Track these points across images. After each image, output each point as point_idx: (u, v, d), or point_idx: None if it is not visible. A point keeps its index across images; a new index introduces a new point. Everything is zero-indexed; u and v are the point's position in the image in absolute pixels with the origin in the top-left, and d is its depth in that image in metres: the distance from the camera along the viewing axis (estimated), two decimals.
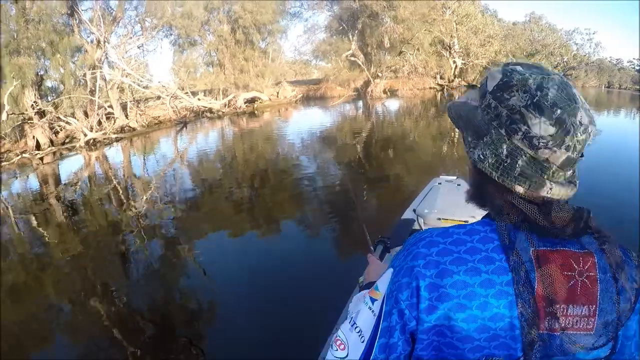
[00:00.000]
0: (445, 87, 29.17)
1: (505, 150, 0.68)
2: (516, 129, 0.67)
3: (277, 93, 26.37)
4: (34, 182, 11.05)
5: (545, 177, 0.67)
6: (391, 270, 0.74)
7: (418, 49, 26.50)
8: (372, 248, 1.53)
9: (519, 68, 0.70)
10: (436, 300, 0.66)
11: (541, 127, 0.65)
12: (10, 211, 8.14)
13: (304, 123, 18.41)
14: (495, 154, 0.69)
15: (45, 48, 14.37)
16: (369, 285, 0.96)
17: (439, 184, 3.89)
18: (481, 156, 0.70)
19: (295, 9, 27.84)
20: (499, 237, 0.68)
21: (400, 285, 0.70)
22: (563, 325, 0.66)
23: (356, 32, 26.21)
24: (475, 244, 0.68)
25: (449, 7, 27.42)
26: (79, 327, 3.81)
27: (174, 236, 5.91)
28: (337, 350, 0.75)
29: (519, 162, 0.67)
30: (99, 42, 16.50)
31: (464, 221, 3.11)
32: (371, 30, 25.42)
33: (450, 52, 29.16)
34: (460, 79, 30.09)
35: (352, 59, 26.86)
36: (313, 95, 27.75)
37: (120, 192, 8.84)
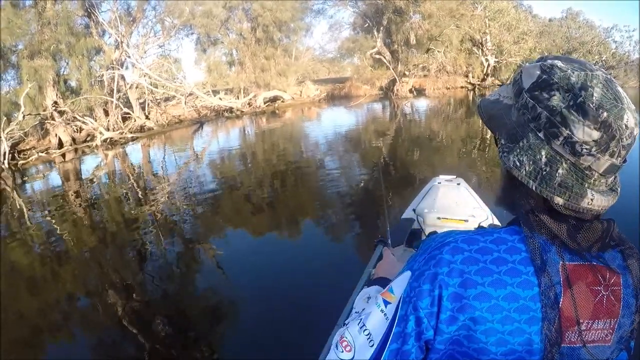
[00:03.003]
0: (477, 86, 28.00)
1: (544, 156, 0.63)
2: (557, 133, 0.62)
3: (300, 92, 25.95)
4: (51, 179, 11.37)
5: (587, 185, 0.62)
6: (409, 273, 0.70)
7: (447, 46, 25.46)
8: (389, 242, 1.46)
9: (559, 63, 0.64)
10: (458, 311, 0.64)
11: (585, 131, 0.60)
12: (24, 207, 8.34)
13: (322, 124, 18.00)
14: (533, 161, 0.64)
15: (62, 49, 14.47)
16: (378, 281, 0.96)
17: (438, 183, 3.83)
18: (517, 162, 0.65)
19: (319, 6, 27.30)
20: (530, 256, 0.63)
21: (421, 292, 0.66)
22: (585, 338, 0.64)
23: (381, 28, 25.45)
24: (501, 254, 0.65)
25: (481, 3, 26.27)
26: (94, 319, 3.93)
27: (189, 234, 6.01)
28: (342, 351, 0.71)
29: (560, 170, 0.62)
30: (119, 42, 16.50)
31: (464, 220, 3.16)
32: (397, 27, 24.59)
33: (482, 49, 27.96)
34: (493, 78, 28.84)
35: (377, 56, 26.10)
36: (338, 94, 27.19)
37: (135, 191, 8.92)
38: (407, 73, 26.17)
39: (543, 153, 0.63)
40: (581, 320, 0.63)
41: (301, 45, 27.36)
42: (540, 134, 0.64)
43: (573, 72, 0.62)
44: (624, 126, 0.60)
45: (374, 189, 7.37)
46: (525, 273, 0.63)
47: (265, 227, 6.05)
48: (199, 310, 4.02)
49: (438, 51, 25.76)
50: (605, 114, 0.59)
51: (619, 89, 0.62)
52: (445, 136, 12.61)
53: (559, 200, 0.63)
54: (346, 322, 0.81)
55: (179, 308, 4.05)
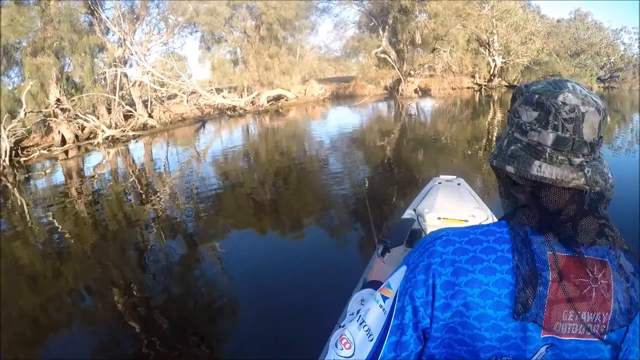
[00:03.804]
0: (484, 86, 27.71)
1: (505, 142, 0.75)
2: (512, 123, 0.76)
3: (305, 91, 25.81)
4: (53, 176, 11.34)
5: (538, 158, 0.70)
6: (404, 267, 0.74)
7: (453, 46, 25.18)
8: (379, 252, 1.52)
9: (526, 83, 0.77)
10: (451, 298, 0.67)
11: (527, 114, 0.72)
12: (24, 203, 8.39)
13: (324, 123, 17.86)
14: (500, 148, 0.76)
15: (65, 47, 14.44)
16: (371, 284, 1.02)
17: (438, 183, 3.86)
18: (492, 154, 0.77)
19: (324, 4, 27.11)
20: (510, 239, 0.69)
21: (416, 283, 0.70)
22: (576, 331, 0.67)
23: (387, 27, 25.23)
24: (491, 244, 0.69)
25: (488, 2, 25.97)
26: (96, 317, 3.94)
27: (191, 232, 5.99)
28: (342, 349, 0.73)
29: (512, 147, 0.73)
30: (122, 40, 16.45)
31: (464, 220, 3.14)
32: (402, 26, 24.37)
33: (489, 49, 27.66)
34: (500, 79, 28.48)
35: (383, 55, 25.88)
36: (342, 93, 27.02)
37: (136, 188, 8.93)
38: (412, 73, 25.93)
39: (506, 140, 0.75)
40: (567, 311, 0.66)
41: (306, 43, 27.21)
42: (511, 130, 0.76)
43: (527, 82, 0.75)
44: (559, 103, 0.68)
45: (377, 189, 7.31)
46: (513, 260, 0.67)
47: (266, 227, 6.03)
48: (199, 308, 4.00)
49: (444, 51, 25.48)
50: (537, 96, 0.71)
51: (570, 84, 0.71)
52: (451, 137, 12.42)
53: (509, 169, 0.72)
54: (342, 324, 0.84)
55: (179, 306, 4.03)
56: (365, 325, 0.73)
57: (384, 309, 0.72)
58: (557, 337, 0.67)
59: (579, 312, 0.66)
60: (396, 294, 0.72)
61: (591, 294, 0.66)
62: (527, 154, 0.70)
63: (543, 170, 0.68)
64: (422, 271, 0.70)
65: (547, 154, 0.69)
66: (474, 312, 0.66)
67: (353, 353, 0.72)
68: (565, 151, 0.69)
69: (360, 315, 0.75)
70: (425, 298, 0.68)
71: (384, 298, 0.73)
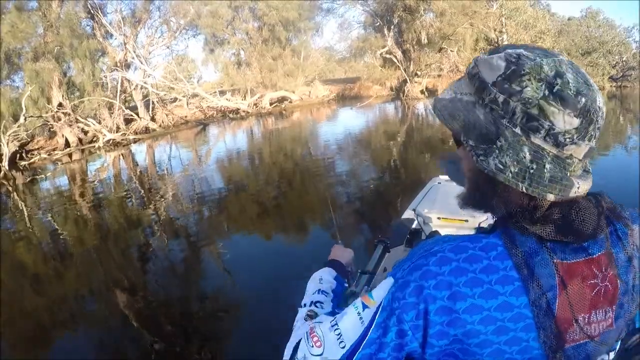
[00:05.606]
0: None
1: (527, 154, 0.59)
2: (537, 127, 0.58)
3: (309, 92, 25.62)
4: (55, 179, 11.52)
5: (569, 174, 0.60)
6: (391, 280, 0.66)
7: (460, 46, 24.81)
8: (340, 241, 1.49)
9: (524, 52, 0.60)
10: (447, 325, 0.60)
11: (565, 120, 0.57)
12: (25, 208, 8.46)
13: (326, 125, 17.66)
14: (517, 161, 0.59)
15: (65, 52, 14.49)
16: (330, 263, 1.05)
17: (438, 183, 3.80)
18: (500, 165, 0.60)
19: (328, 5, 26.87)
20: (513, 263, 0.59)
21: (405, 305, 0.62)
22: (588, 333, 0.62)
23: (392, 27, 24.94)
24: (492, 261, 0.60)
25: (496, 0, 25.58)
26: (97, 318, 3.96)
27: (194, 234, 6.00)
28: (312, 346, 0.68)
29: (547, 165, 0.59)
30: (124, 44, 16.44)
31: (464, 220, 3.04)
32: (407, 25, 24.06)
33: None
34: None
35: (388, 56, 25.59)
36: (348, 94, 26.79)
37: (137, 191, 9.01)
38: (419, 73, 25.60)
39: (526, 150, 0.59)
40: (580, 317, 0.61)
41: (313, 44, 27.05)
42: (517, 130, 0.59)
43: (543, 60, 0.57)
44: (598, 108, 0.58)
45: (380, 191, 7.29)
46: (517, 279, 0.59)
47: (269, 229, 6.02)
48: (201, 309, 4.03)
49: (451, 50, 25.11)
50: (583, 99, 0.57)
51: (584, 71, 0.59)
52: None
53: (550, 197, 0.59)
54: (304, 302, 0.85)
55: (182, 307, 4.06)
56: (338, 329, 0.67)
57: (361, 319, 0.65)
58: (570, 345, 0.61)
59: (589, 315, 0.61)
60: (378, 306, 0.64)
61: (600, 293, 0.61)
62: (564, 173, 0.59)
63: (580, 190, 0.60)
64: (413, 293, 0.61)
65: (573, 166, 0.60)
66: (474, 340, 0.59)
67: (322, 352, 0.67)
68: (586, 161, 0.62)
69: (335, 318, 0.69)
70: (415, 322, 0.61)
71: (364, 306, 0.66)
